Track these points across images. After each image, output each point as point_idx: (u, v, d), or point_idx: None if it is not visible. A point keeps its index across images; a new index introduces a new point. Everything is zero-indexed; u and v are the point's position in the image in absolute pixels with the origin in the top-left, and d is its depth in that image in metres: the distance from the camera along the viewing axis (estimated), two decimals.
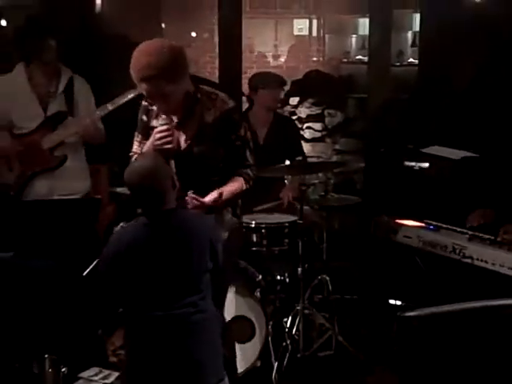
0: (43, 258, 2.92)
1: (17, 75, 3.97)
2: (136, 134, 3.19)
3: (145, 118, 3.14)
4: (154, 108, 3.08)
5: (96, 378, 3.51)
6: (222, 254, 2.77)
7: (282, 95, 4.62)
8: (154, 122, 3.08)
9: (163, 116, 3.01)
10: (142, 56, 2.87)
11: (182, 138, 3.04)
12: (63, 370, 3.12)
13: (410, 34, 9.88)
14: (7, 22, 7.16)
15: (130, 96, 3.81)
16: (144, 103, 3.15)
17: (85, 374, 3.53)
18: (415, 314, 2.05)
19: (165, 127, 2.97)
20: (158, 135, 2.96)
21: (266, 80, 4.50)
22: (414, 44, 9.51)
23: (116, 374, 3.64)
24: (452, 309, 2.06)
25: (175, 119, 3.05)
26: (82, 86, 4.04)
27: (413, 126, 5.50)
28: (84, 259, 3.16)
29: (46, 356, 3.17)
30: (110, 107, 3.86)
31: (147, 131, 3.10)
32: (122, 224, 2.96)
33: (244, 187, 3.06)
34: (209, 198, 2.91)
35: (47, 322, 3.00)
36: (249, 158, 3.09)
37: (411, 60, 9.38)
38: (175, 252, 2.62)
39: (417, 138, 4.99)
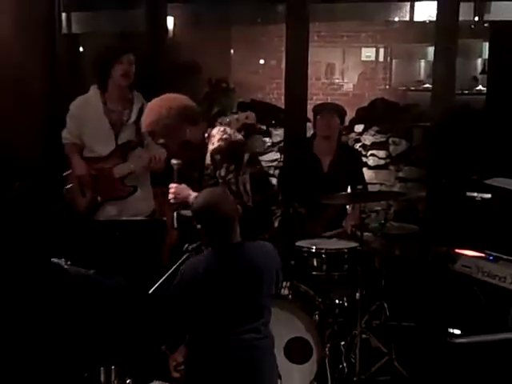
0: (116, 276, 3.07)
1: (92, 98, 4.05)
2: None
3: None
4: None
5: None
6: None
7: (340, 123, 4.61)
8: None
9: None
10: None
11: None
12: (128, 381, 3.25)
13: (479, 61, 9.84)
14: (84, 49, 7.52)
15: None
16: None
17: None
18: (465, 341, 2.08)
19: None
20: None
21: (321, 108, 4.64)
22: (483, 71, 9.46)
23: None
24: (502, 337, 2.09)
25: None
26: None
27: (477, 156, 5.48)
28: (150, 277, 3.31)
29: (113, 367, 3.33)
30: None
31: None
32: (186, 245, 3.07)
33: None
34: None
35: (116, 335, 3.14)
36: None
37: (480, 88, 9.32)
38: (247, 281, 2.73)
39: (480, 169, 4.97)
